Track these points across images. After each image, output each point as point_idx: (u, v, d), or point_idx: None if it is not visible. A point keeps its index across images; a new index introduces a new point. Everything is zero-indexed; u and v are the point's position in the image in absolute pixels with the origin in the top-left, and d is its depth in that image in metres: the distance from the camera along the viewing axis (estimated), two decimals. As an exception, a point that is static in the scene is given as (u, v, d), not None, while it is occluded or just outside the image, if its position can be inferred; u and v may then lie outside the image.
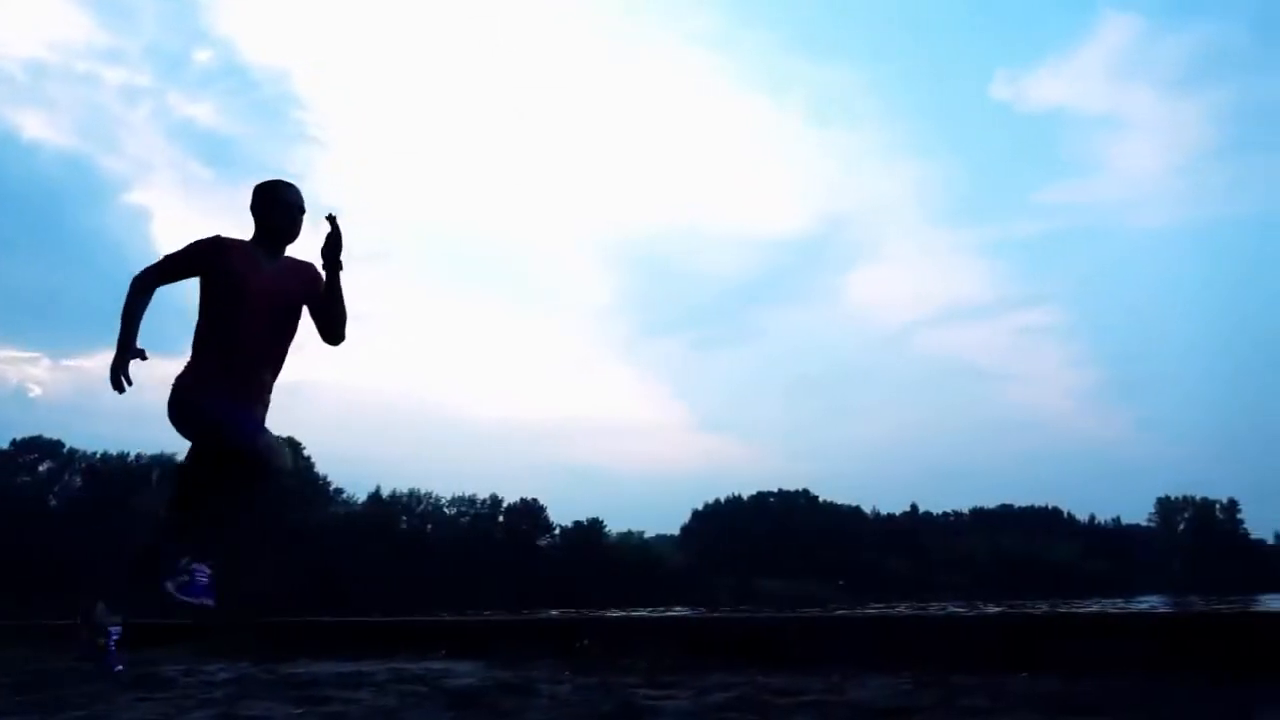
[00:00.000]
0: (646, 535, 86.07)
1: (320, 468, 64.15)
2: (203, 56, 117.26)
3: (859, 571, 64.88)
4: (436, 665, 2.41)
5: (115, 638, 3.15)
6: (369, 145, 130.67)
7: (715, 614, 5.39)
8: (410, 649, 2.64)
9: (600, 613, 5.43)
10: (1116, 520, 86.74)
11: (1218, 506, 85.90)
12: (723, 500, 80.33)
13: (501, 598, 52.73)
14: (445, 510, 76.21)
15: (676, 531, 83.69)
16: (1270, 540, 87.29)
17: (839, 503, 79.31)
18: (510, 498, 77.49)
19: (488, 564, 66.98)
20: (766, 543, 72.42)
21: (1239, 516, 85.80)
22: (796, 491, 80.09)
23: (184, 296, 3.05)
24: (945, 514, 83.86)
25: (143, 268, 2.97)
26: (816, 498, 79.90)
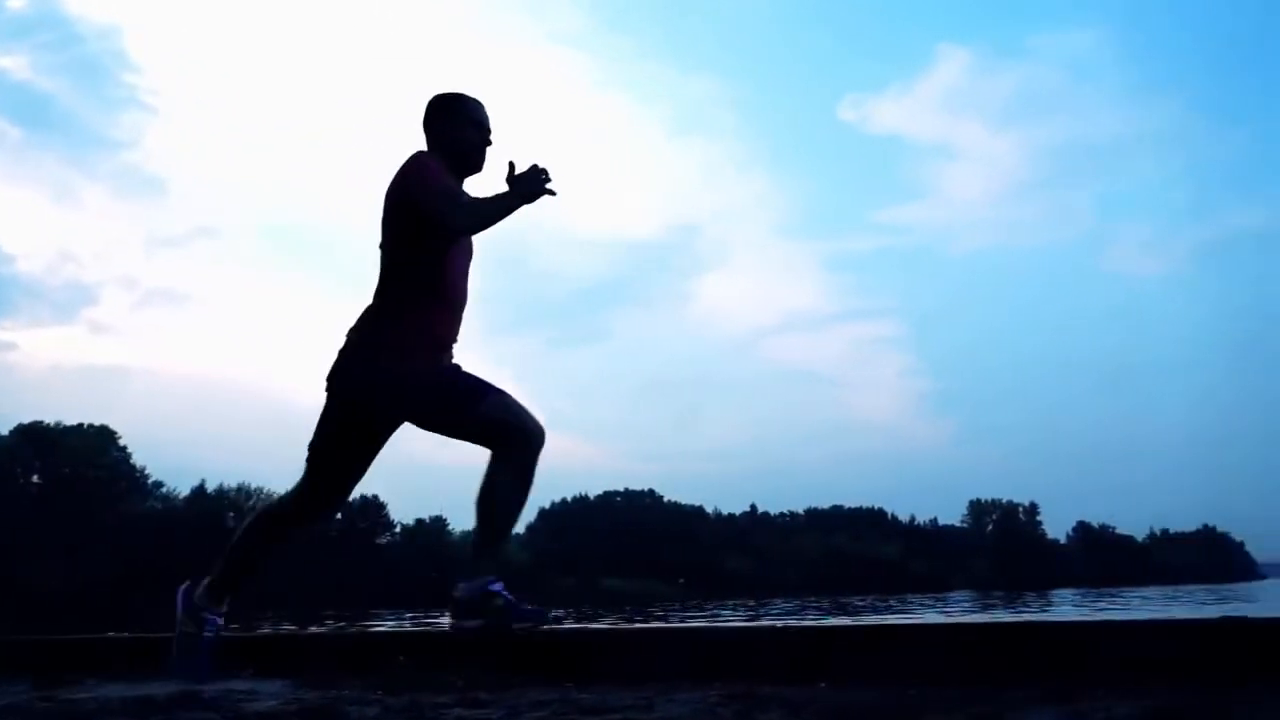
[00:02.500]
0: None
1: (138, 458, 59.38)
2: (16, 2, 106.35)
3: (700, 570, 66.63)
4: (241, 686, 2.28)
5: (212, 631, 2.50)
6: (205, 116, 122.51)
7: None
8: (216, 667, 2.47)
9: (426, 625, 5.27)
10: (934, 521, 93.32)
11: (1021, 509, 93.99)
12: (570, 499, 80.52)
13: (338, 600, 50.66)
14: (278, 507, 72.59)
15: (522, 530, 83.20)
16: (1063, 540, 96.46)
17: (683, 503, 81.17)
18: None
19: (323, 564, 64.24)
20: (612, 542, 73.09)
21: (1038, 518, 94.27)
22: (642, 491, 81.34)
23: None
24: (782, 514, 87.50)
25: (451, 217, 2.27)
26: (662, 498, 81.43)
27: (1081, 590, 49.49)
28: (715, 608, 22.83)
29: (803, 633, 2.27)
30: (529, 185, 2.21)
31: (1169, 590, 43.65)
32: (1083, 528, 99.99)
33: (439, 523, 76.08)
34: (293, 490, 2.46)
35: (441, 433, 2.34)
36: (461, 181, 2.43)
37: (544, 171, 2.19)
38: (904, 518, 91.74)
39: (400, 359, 2.30)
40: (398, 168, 2.36)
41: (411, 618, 18.21)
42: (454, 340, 2.44)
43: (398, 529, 75.56)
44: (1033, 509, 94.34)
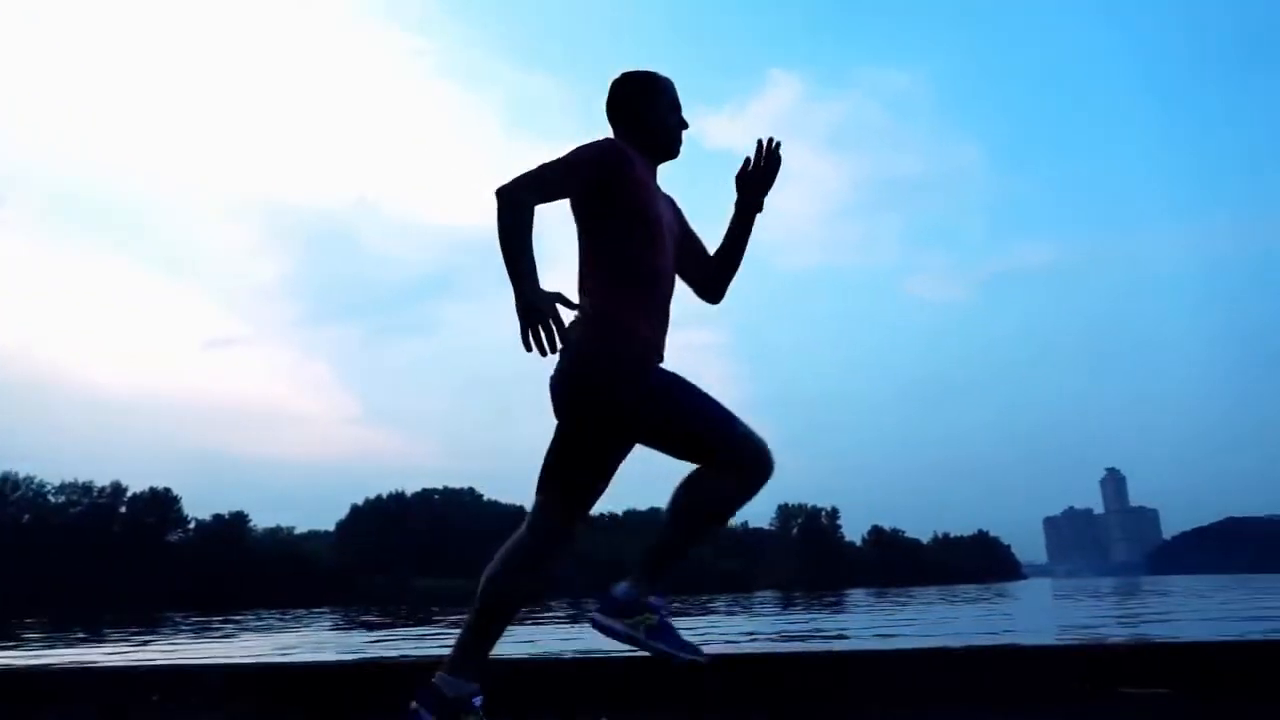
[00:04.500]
0: (298, 531, 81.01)
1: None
2: None
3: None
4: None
5: (661, 606, 2.11)
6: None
7: (301, 659, 5.28)
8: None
9: (185, 659, 4.99)
10: (745, 524, 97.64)
11: (824, 514, 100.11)
12: (385, 496, 78.02)
13: (120, 601, 46.58)
14: (51, 498, 65.82)
15: (332, 527, 79.74)
16: (859, 543, 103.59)
17: (504, 501, 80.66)
18: (136, 486, 68.94)
19: (104, 562, 58.86)
20: (428, 540, 71.50)
21: (839, 523, 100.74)
22: (462, 489, 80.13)
23: None
24: (600, 515, 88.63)
25: (510, 179, 1.96)
26: (481, 496, 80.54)
27: (873, 590, 53.38)
28: (529, 609, 22.96)
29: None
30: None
31: (946, 589, 47.97)
32: (876, 531, 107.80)
33: (240, 519, 71.65)
34: (527, 532, 2.09)
35: (656, 446, 2.06)
36: (656, 167, 2.24)
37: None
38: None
39: (612, 362, 2.00)
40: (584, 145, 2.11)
41: (201, 620, 17.18)
42: (664, 340, 2.15)
43: (192, 525, 70.48)
44: (834, 514, 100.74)
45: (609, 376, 1.98)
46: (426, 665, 2.05)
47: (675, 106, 2.26)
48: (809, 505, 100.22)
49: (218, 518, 70.71)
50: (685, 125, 2.26)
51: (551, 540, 2.07)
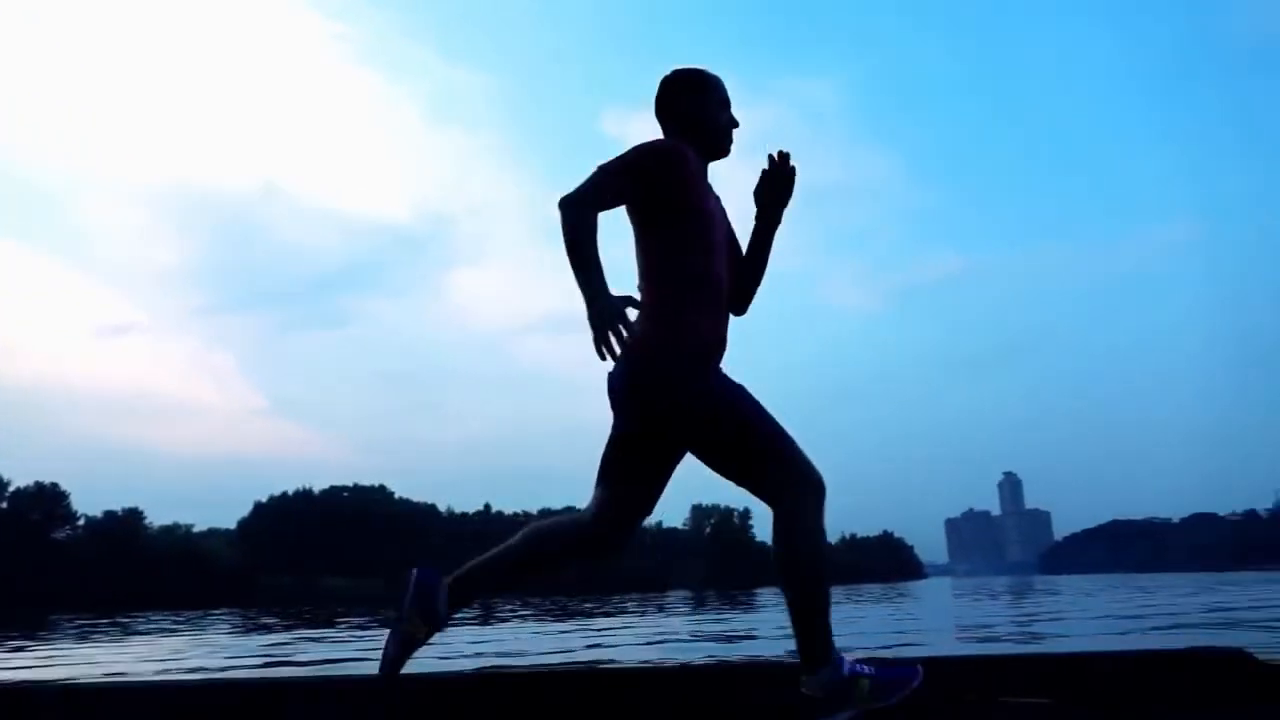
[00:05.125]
0: (197, 529, 77.74)
1: None
2: None
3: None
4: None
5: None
6: None
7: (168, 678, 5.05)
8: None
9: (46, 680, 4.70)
10: (659, 524, 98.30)
11: (736, 514, 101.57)
12: (290, 493, 75.62)
13: (2, 604, 43.83)
14: (-78, 493, 61.75)
15: (233, 525, 76.84)
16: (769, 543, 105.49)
17: (415, 500, 79.25)
18: (20, 480, 65.21)
19: (-20, 561, 55.37)
20: (336, 539, 69.67)
21: (750, 523, 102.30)
22: (372, 486, 78.36)
23: None
24: (515, 514, 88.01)
25: (572, 190, 1.92)
26: (393, 494, 78.95)
27: (778, 589, 54.20)
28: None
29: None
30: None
31: (853, 588, 49.19)
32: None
33: (134, 515, 68.46)
34: (584, 515, 2.11)
35: (708, 454, 2.01)
36: (707, 166, 2.20)
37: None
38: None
39: (673, 361, 1.97)
40: (639, 146, 2.08)
41: (89, 623, 16.33)
42: (725, 339, 2.12)
43: (81, 522, 67.01)
44: (746, 514, 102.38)
45: (669, 375, 1.95)
46: (297, 687, 1.98)
47: (725, 104, 2.23)
48: (722, 506, 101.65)
49: (110, 514, 67.43)
50: (736, 124, 2.23)
51: (600, 541, 2.11)
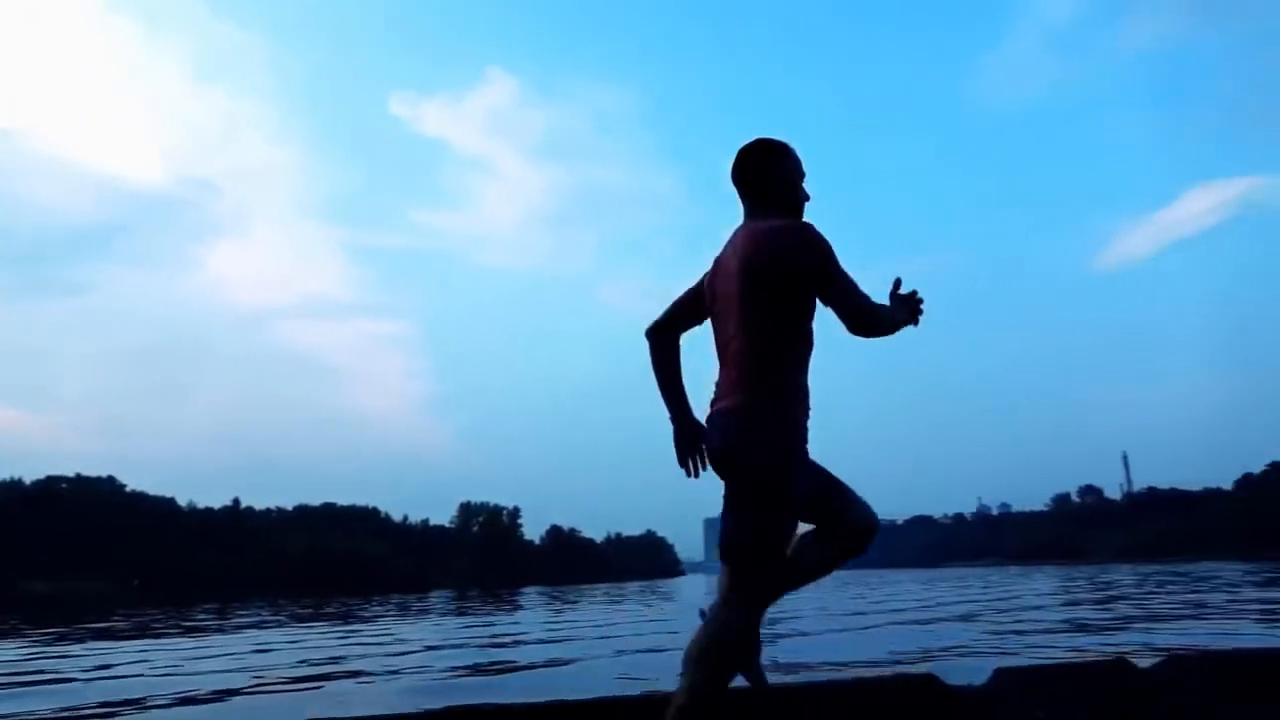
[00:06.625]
0: None
1: None
2: None
3: (167, 569, 59.60)
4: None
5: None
6: None
7: None
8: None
9: None
10: (426, 521, 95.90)
11: (505, 512, 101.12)
12: (-3, 484, 65.96)
13: None
14: None
15: (-82, 520, 65.73)
16: (538, 541, 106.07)
17: (152, 493, 71.90)
18: None
19: None
20: (51, 537, 61.76)
21: (520, 521, 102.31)
22: (99, 478, 70.19)
23: None
24: (269, 509, 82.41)
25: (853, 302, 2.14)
26: (124, 486, 71.18)
27: (548, 588, 54.91)
28: (168, 613, 20.75)
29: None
30: (913, 312, 2.28)
31: (616, 586, 50.68)
32: (555, 531, 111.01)
33: None
34: (727, 610, 2.09)
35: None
36: None
37: (921, 300, 2.29)
38: (397, 517, 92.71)
39: (795, 431, 2.12)
40: (781, 230, 2.14)
41: None
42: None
43: None
44: (516, 513, 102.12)
45: (779, 471, 2.06)
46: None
47: (803, 176, 2.32)
48: (491, 504, 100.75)
49: None
50: (809, 197, 2.32)
51: (750, 619, 2.12)
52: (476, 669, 5.89)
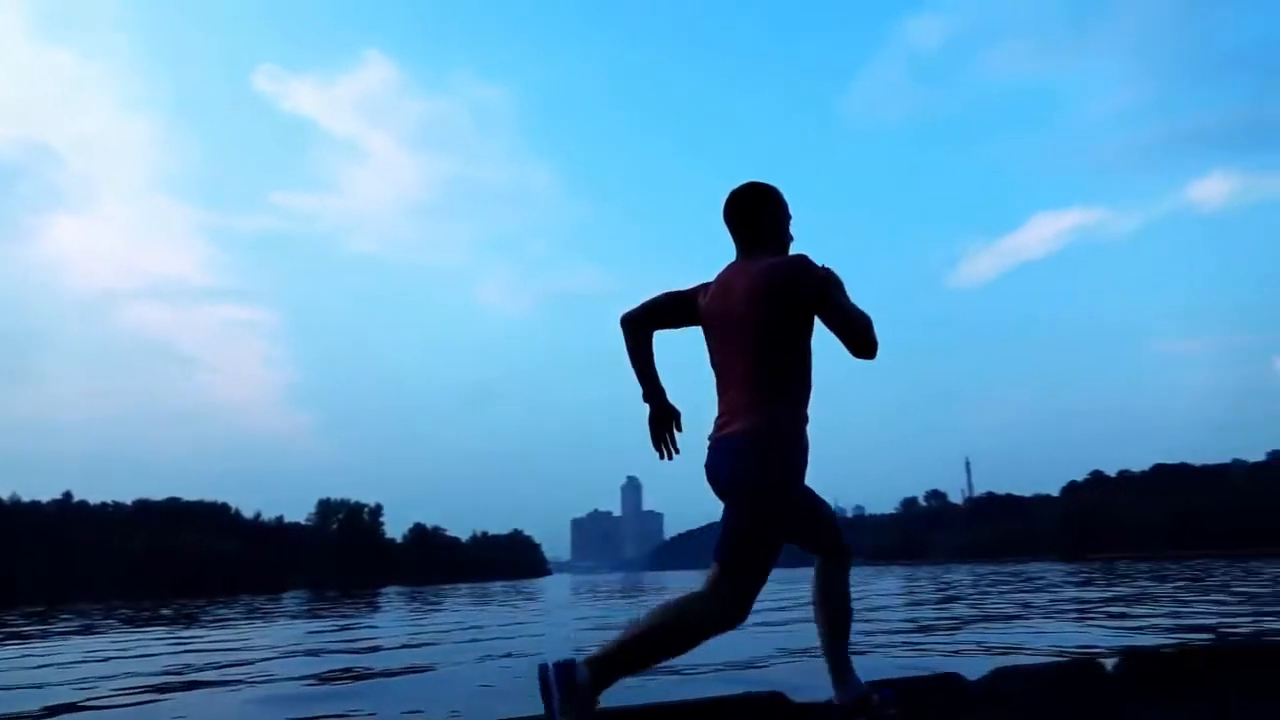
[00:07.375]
0: None
1: None
2: None
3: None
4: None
5: None
6: None
7: None
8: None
9: None
10: (280, 518, 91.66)
11: (367, 510, 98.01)
12: None
13: None
14: None
15: None
16: (400, 539, 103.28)
17: (-30, 488, 65.66)
18: None
19: None
20: None
21: (381, 520, 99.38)
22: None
23: None
24: (105, 504, 76.79)
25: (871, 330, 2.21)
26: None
27: (409, 587, 53.54)
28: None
29: None
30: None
31: (479, 586, 49.98)
32: (418, 529, 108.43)
33: None
34: (711, 598, 2.20)
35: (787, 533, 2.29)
36: None
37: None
38: (249, 513, 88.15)
39: (804, 455, 2.25)
40: (786, 262, 2.25)
41: None
42: None
43: None
44: (378, 510, 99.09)
45: (784, 491, 2.19)
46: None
47: (789, 218, 2.46)
48: (351, 501, 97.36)
49: None
50: (792, 238, 2.45)
51: (725, 623, 2.19)
52: (321, 678, 5.68)
